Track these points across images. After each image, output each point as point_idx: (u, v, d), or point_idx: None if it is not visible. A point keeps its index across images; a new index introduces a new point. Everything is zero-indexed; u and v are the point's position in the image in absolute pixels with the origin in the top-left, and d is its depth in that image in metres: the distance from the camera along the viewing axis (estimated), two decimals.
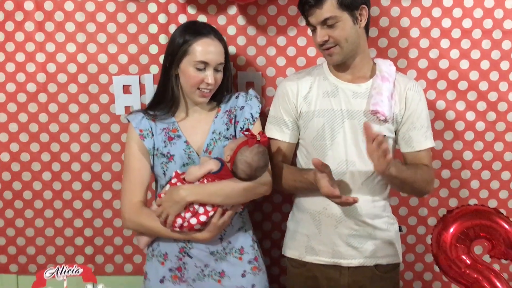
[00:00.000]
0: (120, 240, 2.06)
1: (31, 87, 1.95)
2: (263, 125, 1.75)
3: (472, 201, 1.98)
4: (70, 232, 2.05)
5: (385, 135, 1.59)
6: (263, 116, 1.86)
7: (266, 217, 2.06)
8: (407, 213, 2.03)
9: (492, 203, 1.97)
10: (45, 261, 2.06)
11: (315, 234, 1.68)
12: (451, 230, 1.41)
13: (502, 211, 1.88)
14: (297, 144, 1.74)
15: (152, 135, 1.64)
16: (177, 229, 1.55)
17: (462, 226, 1.40)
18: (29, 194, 2.02)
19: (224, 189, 1.54)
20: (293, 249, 1.75)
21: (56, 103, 1.96)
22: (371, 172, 1.61)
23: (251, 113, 1.67)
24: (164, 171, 1.64)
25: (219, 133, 1.66)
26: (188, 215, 1.52)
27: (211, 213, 1.53)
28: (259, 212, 2.05)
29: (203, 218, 1.53)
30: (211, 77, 1.58)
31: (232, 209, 1.59)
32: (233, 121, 1.68)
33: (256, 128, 1.65)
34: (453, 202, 2.00)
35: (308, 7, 1.57)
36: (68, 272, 1.27)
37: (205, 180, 1.56)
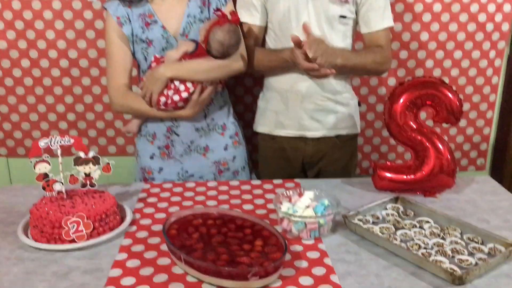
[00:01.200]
0: (102, 124, 2.20)
1: None
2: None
3: None
4: (54, 117, 2.16)
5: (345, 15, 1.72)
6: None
7: (238, 100, 2.20)
8: (368, 92, 2.20)
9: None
10: (31, 144, 2.18)
11: (283, 110, 1.84)
12: (401, 100, 1.56)
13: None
14: (265, 29, 1.83)
15: (130, 21, 1.68)
16: (162, 107, 1.65)
17: (411, 96, 1.55)
18: (10, 81, 2.09)
19: (200, 65, 1.63)
20: (263, 125, 1.92)
21: (51, 10, 1.99)
22: None
23: None
24: (144, 56, 1.71)
25: (194, 16, 1.70)
26: (170, 92, 1.62)
27: (191, 90, 1.63)
28: (232, 95, 2.15)
29: (184, 94, 1.63)
30: None
31: (212, 87, 1.68)
32: (206, 3, 1.72)
33: (228, 9, 1.71)
34: None
35: None
36: (60, 142, 1.39)
37: (183, 60, 1.64)
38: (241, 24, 1.77)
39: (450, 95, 1.54)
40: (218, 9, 1.61)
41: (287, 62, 1.69)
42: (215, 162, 1.82)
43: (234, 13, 1.61)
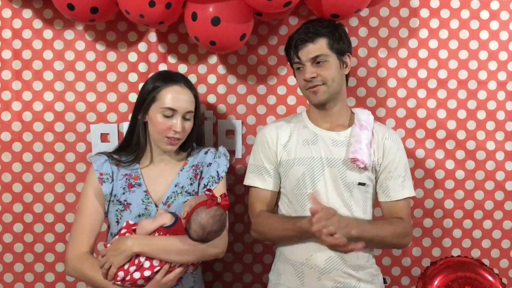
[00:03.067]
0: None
1: (5, 136, 1.91)
2: (243, 174, 1.73)
3: (455, 251, 1.97)
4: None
5: (363, 184, 1.61)
6: (243, 164, 1.85)
7: (246, 268, 2.01)
8: (391, 263, 2.00)
9: (475, 253, 1.97)
10: None
11: (298, 286, 1.63)
12: (436, 282, 1.38)
13: (485, 261, 1.88)
14: (278, 193, 1.72)
15: (112, 180, 1.59)
16: (118, 283, 1.44)
17: (446, 279, 1.38)
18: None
19: (173, 245, 1.45)
20: None
21: (31, 152, 1.92)
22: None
23: (217, 171, 1.63)
24: (117, 219, 1.58)
25: (182, 187, 1.61)
26: (132, 268, 1.43)
27: (157, 269, 1.44)
28: (239, 263, 2.00)
29: (147, 273, 1.43)
30: (179, 125, 1.55)
31: (181, 268, 1.49)
32: (198, 176, 1.64)
33: (219, 188, 1.61)
34: (436, 252, 1.98)
35: (301, 42, 1.60)
36: None
37: (157, 234, 1.48)
38: (250, 188, 1.69)
39: (491, 278, 1.35)
40: (209, 189, 1.47)
41: (306, 233, 1.53)
42: None
43: (225, 196, 1.47)
